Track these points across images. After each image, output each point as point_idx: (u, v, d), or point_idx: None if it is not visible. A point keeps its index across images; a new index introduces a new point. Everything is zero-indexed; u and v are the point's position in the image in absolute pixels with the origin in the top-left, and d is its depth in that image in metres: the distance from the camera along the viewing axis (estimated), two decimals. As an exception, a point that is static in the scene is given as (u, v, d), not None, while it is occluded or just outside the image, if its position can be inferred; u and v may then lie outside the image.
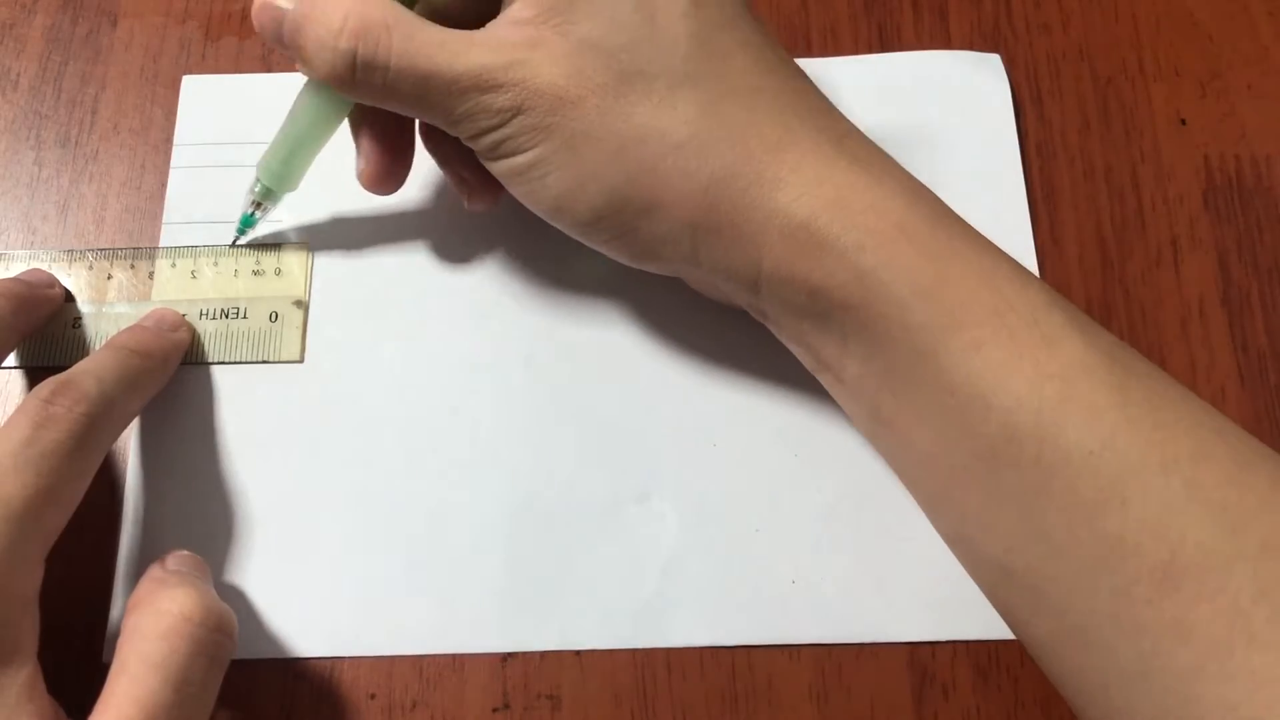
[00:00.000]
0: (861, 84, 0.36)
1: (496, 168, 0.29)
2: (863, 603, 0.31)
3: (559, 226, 0.30)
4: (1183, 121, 0.37)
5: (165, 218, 0.35)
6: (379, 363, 0.34)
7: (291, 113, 0.32)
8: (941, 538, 0.30)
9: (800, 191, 0.27)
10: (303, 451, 0.33)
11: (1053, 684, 0.28)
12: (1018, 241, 0.35)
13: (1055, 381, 0.25)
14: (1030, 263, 0.35)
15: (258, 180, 0.33)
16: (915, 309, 0.26)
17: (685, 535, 0.32)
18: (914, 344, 0.26)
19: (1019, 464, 0.25)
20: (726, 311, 0.33)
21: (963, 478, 0.27)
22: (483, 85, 0.28)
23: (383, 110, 0.30)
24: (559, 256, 0.35)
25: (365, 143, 0.32)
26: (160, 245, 0.35)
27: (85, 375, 0.28)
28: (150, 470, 0.32)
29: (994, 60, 0.37)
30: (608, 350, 0.34)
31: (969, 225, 0.28)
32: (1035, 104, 0.37)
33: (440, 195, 0.36)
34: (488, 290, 0.35)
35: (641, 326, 0.34)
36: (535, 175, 0.29)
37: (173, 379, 0.33)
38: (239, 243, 0.34)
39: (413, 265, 0.35)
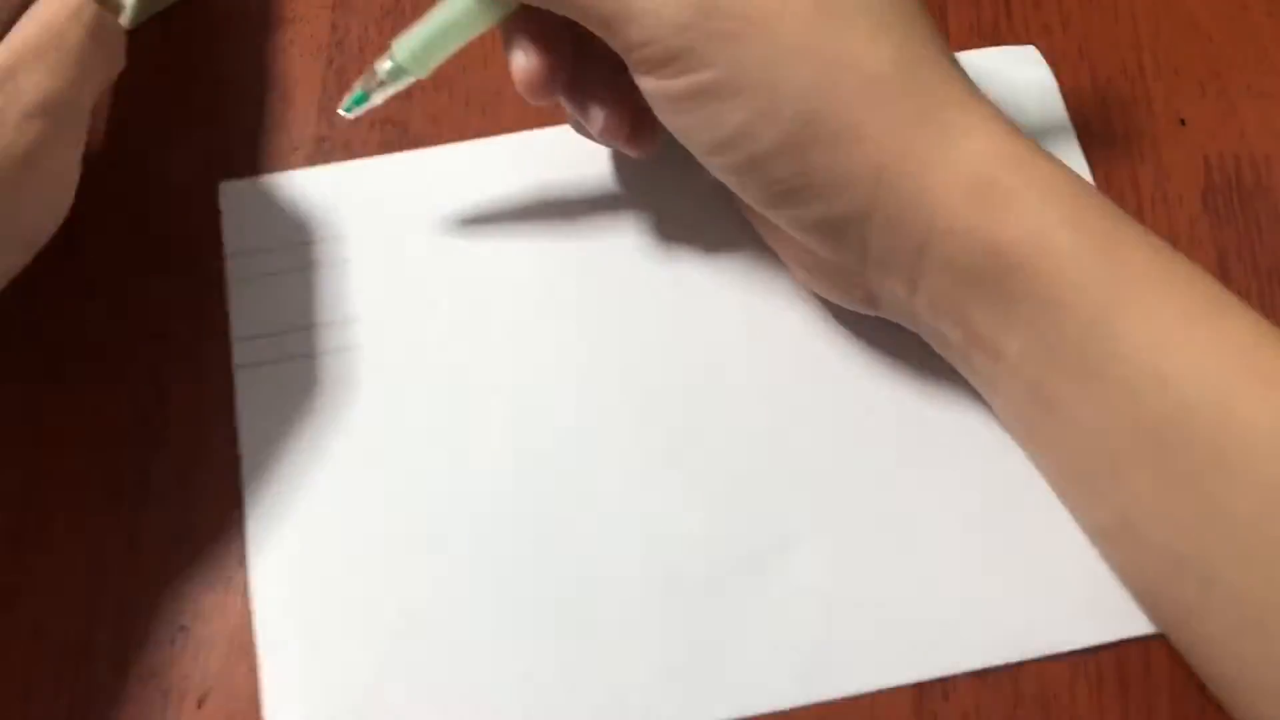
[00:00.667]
0: None
1: (667, 88, 0.27)
2: (1036, 612, 0.30)
3: (718, 164, 0.28)
4: (1182, 121, 0.37)
5: (235, 333, 0.34)
6: (487, 432, 0.32)
7: None
8: (1094, 533, 0.29)
9: (986, 145, 0.27)
10: (428, 539, 0.31)
11: (1211, 688, 0.27)
12: None
13: (1233, 353, 0.24)
14: None
15: (389, 56, 0.31)
16: (1091, 270, 0.26)
17: (835, 579, 0.30)
18: (1087, 308, 0.26)
19: (1194, 440, 0.25)
20: (841, 329, 0.32)
21: (1131, 458, 0.26)
22: None
23: (538, 20, 0.29)
24: (667, 298, 0.34)
25: (520, 42, 0.30)
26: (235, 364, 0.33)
27: None
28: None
29: (1031, 52, 0.37)
30: (724, 396, 0.32)
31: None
32: (1035, 104, 0.37)
33: (537, 233, 0.35)
34: (597, 342, 0.33)
35: (753, 359, 0.33)
36: (717, 97, 0.27)
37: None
38: (344, 112, 0.32)
39: (520, 323, 0.34)
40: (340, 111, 0.32)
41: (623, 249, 0.34)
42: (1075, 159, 0.35)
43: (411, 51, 0.30)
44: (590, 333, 0.33)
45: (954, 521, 0.31)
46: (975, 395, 0.32)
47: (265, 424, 0.32)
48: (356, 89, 0.31)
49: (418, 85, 0.37)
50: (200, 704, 0.30)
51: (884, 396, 0.32)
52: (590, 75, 0.31)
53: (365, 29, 0.39)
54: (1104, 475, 0.27)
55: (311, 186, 0.36)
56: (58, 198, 0.30)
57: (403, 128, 0.37)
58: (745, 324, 0.33)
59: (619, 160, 0.36)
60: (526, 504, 0.31)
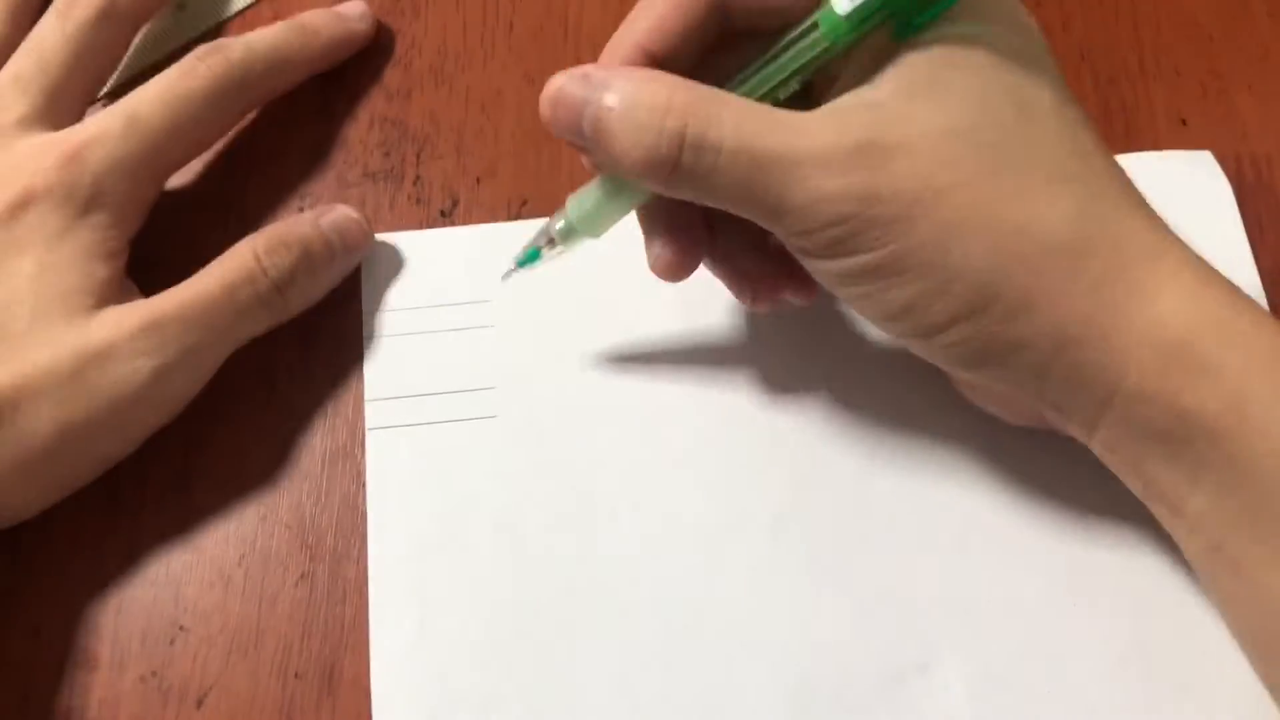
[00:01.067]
0: None
1: (829, 267, 0.26)
2: None
3: (894, 333, 0.28)
4: (1183, 121, 0.36)
5: (369, 394, 0.33)
6: (617, 519, 0.32)
7: None
8: (1272, 692, 0.28)
9: (1180, 305, 0.25)
10: (552, 625, 0.31)
11: None
12: None
13: None
14: None
15: (563, 215, 0.30)
16: None
17: (976, 706, 0.29)
18: None
19: None
20: (987, 454, 0.31)
21: None
22: (831, 169, 0.25)
23: (677, 204, 0.28)
24: (816, 401, 0.33)
25: (658, 231, 0.30)
26: (368, 426, 0.33)
27: (239, 42, 0.34)
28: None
29: (1206, 157, 0.35)
30: (862, 506, 0.31)
31: None
32: (1035, 104, 0.37)
33: (682, 312, 0.34)
34: (740, 434, 0.32)
35: (894, 479, 0.32)
36: (883, 276, 0.26)
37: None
38: (510, 275, 0.31)
39: (660, 407, 0.33)
40: (514, 266, 0.31)
41: (767, 340, 0.33)
42: (1248, 274, 0.34)
43: (584, 211, 0.29)
44: (735, 422, 0.32)
45: (1109, 659, 0.30)
46: (1140, 527, 0.30)
47: (394, 489, 0.32)
48: (530, 246, 0.31)
49: (415, 83, 0.37)
50: (200, 704, 0.30)
51: (1041, 520, 0.31)
52: (734, 244, 0.30)
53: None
54: None
55: (454, 247, 0.35)
56: (159, 425, 0.32)
57: (402, 126, 0.37)
58: (897, 432, 0.32)
59: None
60: (654, 597, 0.31)
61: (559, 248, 0.30)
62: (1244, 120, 0.36)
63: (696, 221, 0.30)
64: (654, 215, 0.30)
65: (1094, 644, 0.30)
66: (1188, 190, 0.35)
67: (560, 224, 0.30)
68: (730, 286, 0.31)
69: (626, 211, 0.30)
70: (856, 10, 0.25)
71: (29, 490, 0.30)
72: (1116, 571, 0.31)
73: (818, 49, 0.26)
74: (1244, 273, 0.34)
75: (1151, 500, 0.28)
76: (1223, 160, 0.35)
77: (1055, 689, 0.30)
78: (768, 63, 0.27)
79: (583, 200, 0.29)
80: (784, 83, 0.27)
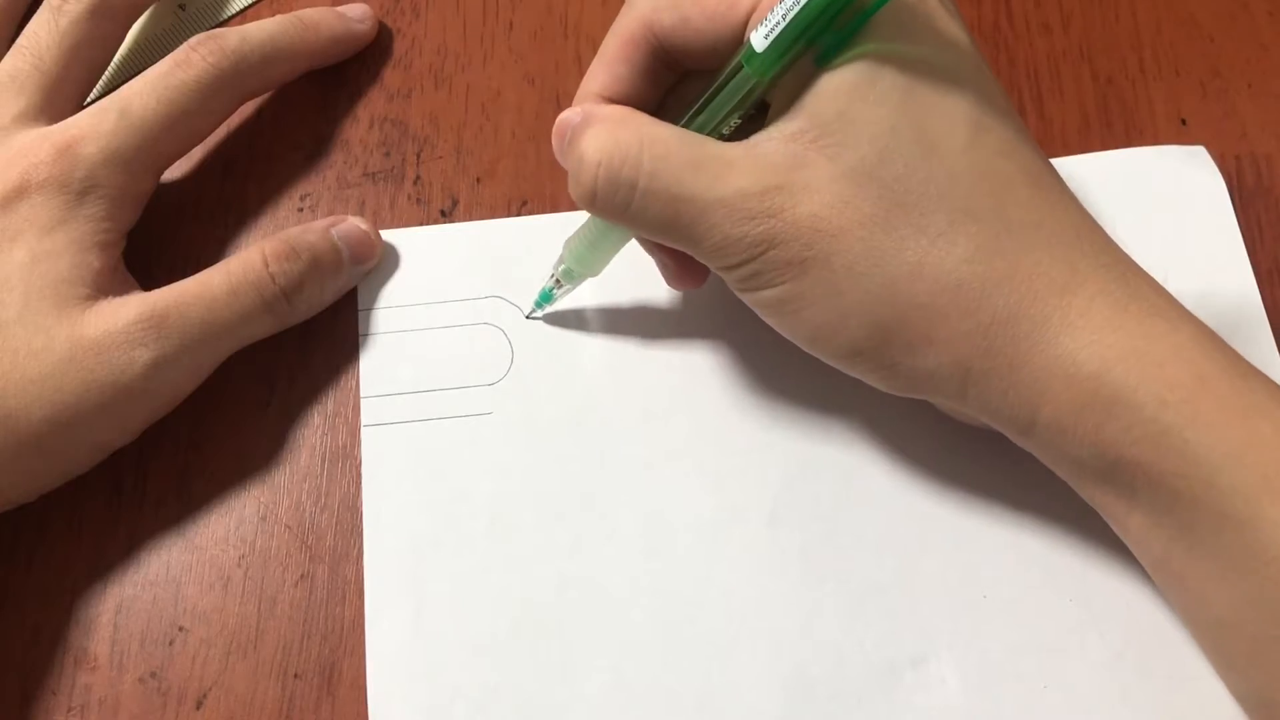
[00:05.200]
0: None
1: (748, 298, 0.28)
2: None
3: (814, 353, 0.28)
4: (1183, 121, 0.36)
5: (364, 391, 0.33)
6: (615, 516, 0.32)
7: None
8: (1236, 697, 0.28)
9: (1091, 338, 0.25)
10: (548, 621, 0.31)
11: None
12: (1260, 350, 0.33)
13: None
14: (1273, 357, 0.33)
15: (562, 259, 0.32)
16: (1223, 472, 0.24)
17: (970, 700, 0.29)
18: (1220, 508, 0.24)
19: None
20: (982, 447, 0.31)
21: (1271, 646, 0.25)
22: (735, 216, 0.26)
23: None
24: (799, 403, 0.33)
25: (657, 253, 0.31)
26: (363, 423, 0.33)
27: (234, 32, 0.34)
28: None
29: (1200, 152, 0.35)
30: (859, 499, 0.32)
31: (1264, 375, 0.26)
32: (1035, 104, 0.37)
33: (683, 311, 0.34)
34: (734, 434, 0.32)
35: (891, 473, 0.32)
36: (789, 309, 0.27)
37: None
38: (534, 315, 0.34)
39: (659, 405, 0.33)
40: (533, 312, 0.34)
41: (765, 336, 0.32)
42: (1241, 270, 0.34)
43: (578, 255, 0.31)
44: (730, 417, 0.33)
45: (1103, 653, 0.30)
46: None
47: (390, 486, 0.32)
48: (543, 288, 0.33)
49: (415, 83, 0.37)
50: (199, 704, 0.30)
51: (1037, 515, 0.31)
52: None
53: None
54: (1241, 655, 0.26)
55: (449, 243, 0.35)
56: (155, 417, 0.32)
57: (402, 126, 0.37)
58: (892, 426, 0.32)
59: None
60: (649, 591, 0.31)
61: (566, 287, 0.32)
62: (1244, 120, 0.36)
63: None
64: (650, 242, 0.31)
65: (1089, 638, 0.30)
66: (1182, 184, 0.35)
67: (561, 268, 0.32)
68: (658, 266, 0.32)
69: (618, 248, 0.31)
70: (772, 45, 0.26)
71: (21, 476, 0.30)
72: (1111, 566, 0.31)
73: (748, 85, 0.27)
74: (1236, 265, 0.34)
75: (1098, 508, 0.28)
76: (1222, 160, 0.35)
77: (1050, 682, 0.30)
78: (709, 101, 0.28)
79: (576, 244, 0.31)
80: (725, 119, 0.28)
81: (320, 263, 0.33)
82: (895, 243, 0.26)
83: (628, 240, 0.31)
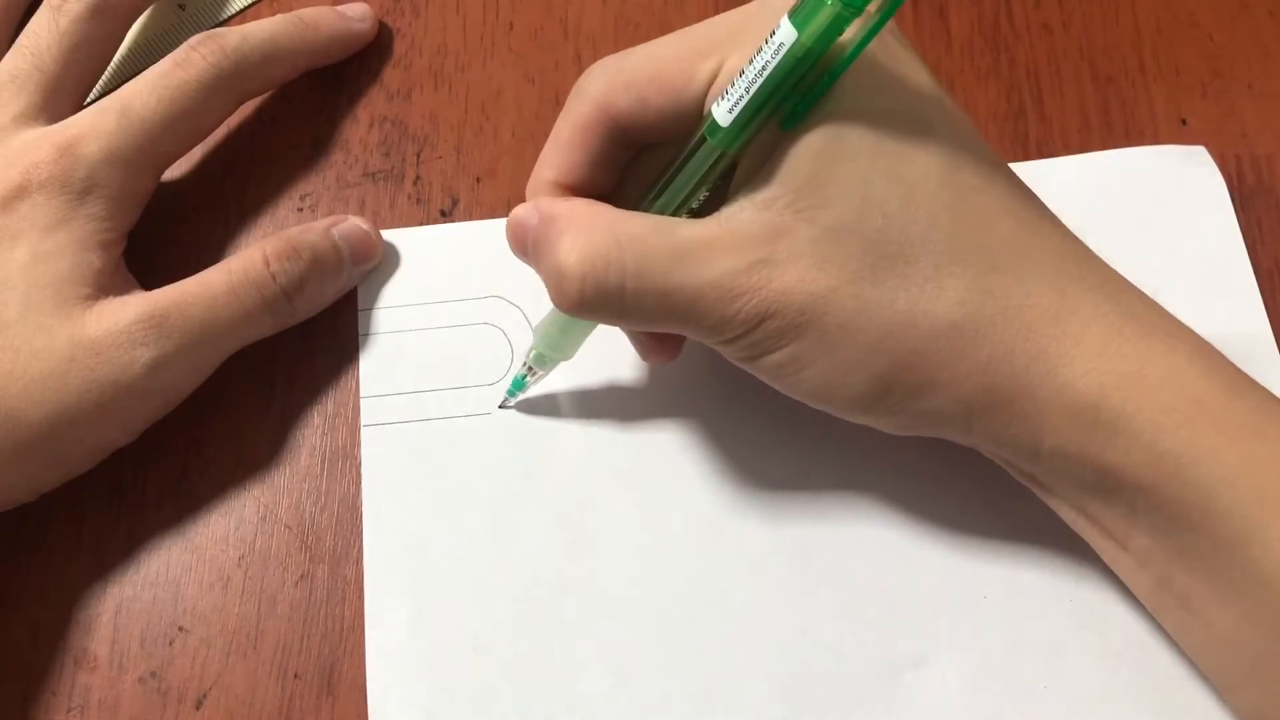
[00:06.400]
0: (1060, 189, 0.32)
1: (749, 367, 0.28)
2: None
3: (820, 408, 0.28)
4: (1183, 121, 0.36)
5: (364, 391, 0.33)
6: (615, 517, 0.32)
7: None
8: (1236, 714, 0.28)
9: (1088, 366, 0.25)
10: (549, 623, 0.31)
11: None
12: (1260, 349, 0.33)
13: None
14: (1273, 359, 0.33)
15: (534, 346, 0.31)
16: (1221, 495, 0.24)
17: (970, 700, 0.29)
18: (1218, 530, 0.25)
19: None
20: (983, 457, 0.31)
21: (1272, 663, 0.25)
22: (726, 296, 0.26)
23: None
24: (799, 414, 0.31)
25: (630, 335, 0.31)
26: (363, 423, 0.33)
27: (234, 32, 0.34)
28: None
29: (1200, 152, 0.35)
30: (859, 499, 0.32)
31: (1263, 389, 0.26)
32: (1036, 104, 0.37)
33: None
34: (734, 433, 0.32)
35: (890, 474, 0.32)
36: (790, 372, 0.27)
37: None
38: (506, 405, 0.33)
39: (659, 408, 0.33)
40: (506, 402, 0.33)
41: None
42: (1241, 270, 0.34)
43: (550, 340, 0.31)
44: (730, 417, 0.33)
45: (1103, 654, 0.30)
46: None
47: (389, 485, 0.32)
48: (515, 374, 0.32)
49: (415, 83, 0.37)
50: (199, 704, 0.30)
51: (1036, 516, 0.30)
52: None
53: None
54: (1241, 674, 0.27)
55: (449, 243, 0.35)
56: (155, 417, 0.32)
57: (402, 126, 0.37)
58: (883, 450, 0.32)
59: None
60: (649, 592, 0.31)
61: (539, 374, 0.32)
62: (1244, 120, 0.36)
63: None
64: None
65: (1089, 638, 0.30)
66: (1182, 184, 0.35)
67: (533, 354, 0.31)
68: (632, 343, 0.32)
69: (588, 332, 0.31)
70: (737, 119, 0.26)
71: (22, 475, 0.30)
72: (1104, 572, 0.30)
73: (713, 156, 0.27)
74: (1236, 265, 0.34)
75: (1095, 535, 0.28)
76: (1222, 160, 0.35)
77: (1050, 683, 0.30)
78: (674, 177, 0.28)
79: (546, 331, 0.31)
80: (692, 193, 0.28)
81: (321, 262, 0.33)
82: (885, 294, 0.26)
83: (594, 327, 0.31)
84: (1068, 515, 0.28)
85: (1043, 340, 0.26)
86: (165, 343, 0.30)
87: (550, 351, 0.31)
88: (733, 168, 0.27)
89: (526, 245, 0.28)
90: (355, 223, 0.34)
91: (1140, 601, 0.29)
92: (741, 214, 0.26)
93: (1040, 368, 0.26)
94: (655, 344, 0.31)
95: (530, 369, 0.32)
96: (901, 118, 0.26)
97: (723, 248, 0.26)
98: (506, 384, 0.33)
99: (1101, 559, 0.29)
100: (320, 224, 0.34)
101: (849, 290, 0.26)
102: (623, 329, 0.30)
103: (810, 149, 0.26)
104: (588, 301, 0.27)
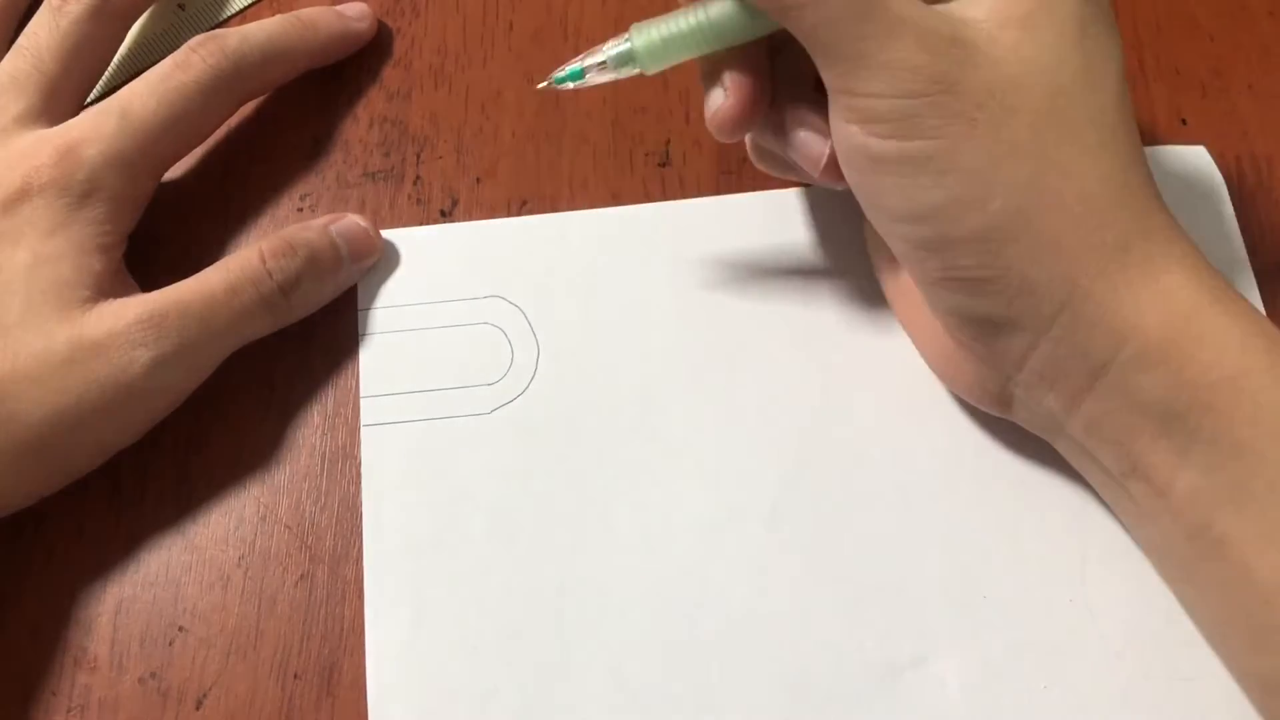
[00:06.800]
0: None
1: (873, 145, 0.27)
2: None
3: (903, 232, 0.28)
4: (1183, 121, 0.36)
5: (364, 390, 0.33)
6: (615, 517, 0.32)
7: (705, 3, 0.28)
8: (1252, 682, 0.28)
9: (1186, 279, 0.26)
10: (547, 622, 0.31)
11: None
12: None
13: None
14: None
15: (626, 38, 0.29)
16: None
17: (971, 700, 0.29)
18: None
19: None
20: (983, 447, 0.31)
21: None
22: (923, 41, 0.25)
23: (754, 53, 0.29)
24: (799, 413, 0.33)
25: (733, 72, 0.29)
26: (363, 423, 0.33)
27: (234, 33, 0.34)
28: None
29: (1200, 152, 0.35)
30: (858, 499, 0.32)
31: None
32: (1035, 104, 0.37)
33: (679, 310, 0.34)
34: (733, 434, 0.32)
35: (890, 474, 0.32)
36: (928, 170, 0.26)
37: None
38: (545, 86, 0.30)
39: (656, 408, 0.33)
40: (551, 80, 0.30)
41: (763, 338, 0.33)
42: (1241, 270, 0.34)
43: (650, 40, 0.29)
44: (730, 416, 0.33)
45: (1104, 653, 0.30)
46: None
47: (389, 485, 0.32)
48: (574, 64, 0.30)
49: (415, 83, 0.37)
50: (199, 704, 0.30)
51: (1037, 515, 0.31)
52: (791, 109, 0.30)
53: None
54: (1277, 627, 0.26)
55: (449, 243, 0.35)
56: (156, 417, 0.32)
57: (402, 126, 0.37)
58: (893, 426, 0.32)
59: (756, 242, 0.35)
60: (649, 591, 0.31)
61: (610, 73, 0.29)
62: (1244, 120, 0.36)
63: (761, 75, 0.29)
64: (717, 64, 0.29)
65: (1089, 638, 0.30)
66: (1183, 184, 0.35)
67: (621, 48, 0.29)
68: (784, 149, 0.30)
69: (692, 53, 0.29)
70: None
71: (24, 478, 0.30)
72: (1111, 566, 0.31)
73: None
74: (1237, 266, 0.34)
75: (1133, 481, 0.28)
76: (1222, 160, 0.35)
77: (1050, 682, 0.30)
78: None
79: (651, 31, 0.29)
80: None
81: (318, 260, 0.33)
82: (1055, 140, 0.26)
83: (712, 48, 0.29)
84: (1089, 459, 0.29)
85: (1156, 246, 0.27)
86: (164, 342, 0.30)
87: (643, 53, 0.29)
88: None
89: None
90: (353, 220, 0.34)
91: (1162, 565, 0.29)
92: (948, 9, 0.27)
93: (1150, 268, 0.26)
94: (750, 91, 0.29)
95: (603, 64, 0.29)
96: (1101, 20, 0.28)
97: (930, 13, 0.26)
98: (507, 383, 0.33)
99: (1101, 556, 0.29)
100: (318, 222, 0.34)
101: (1029, 118, 0.26)
102: (790, 21, 0.27)
103: None
104: None
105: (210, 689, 0.30)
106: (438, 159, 0.36)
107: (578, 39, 0.38)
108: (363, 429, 0.33)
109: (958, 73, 0.26)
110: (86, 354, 0.30)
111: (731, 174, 0.36)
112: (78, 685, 0.31)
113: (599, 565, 0.31)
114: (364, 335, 0.34)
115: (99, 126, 0.32)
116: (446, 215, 0.36)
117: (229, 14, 0.39)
